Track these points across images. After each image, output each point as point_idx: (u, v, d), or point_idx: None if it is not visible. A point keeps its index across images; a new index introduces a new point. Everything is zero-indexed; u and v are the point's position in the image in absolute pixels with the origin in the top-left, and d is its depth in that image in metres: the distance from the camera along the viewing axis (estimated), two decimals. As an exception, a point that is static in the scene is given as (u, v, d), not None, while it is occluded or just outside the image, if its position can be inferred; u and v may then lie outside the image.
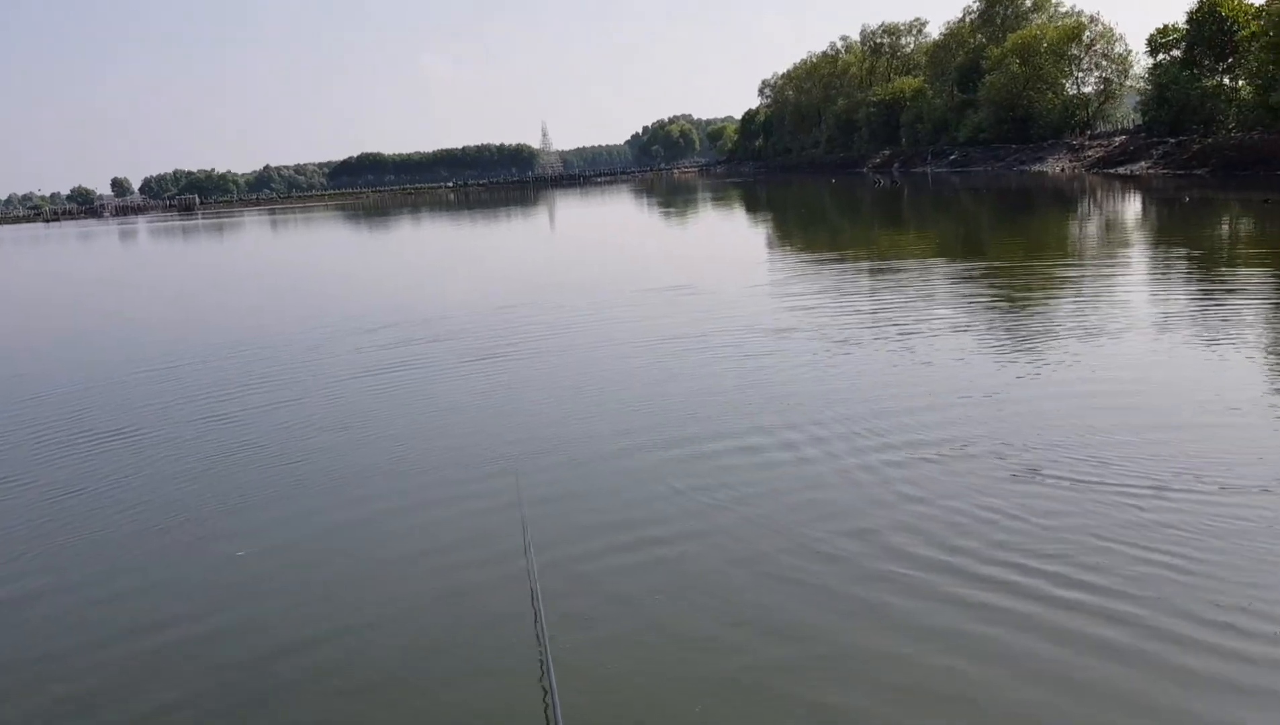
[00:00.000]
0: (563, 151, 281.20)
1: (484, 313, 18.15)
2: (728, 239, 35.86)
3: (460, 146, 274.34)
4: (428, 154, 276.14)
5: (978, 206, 43.54)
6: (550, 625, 5.17)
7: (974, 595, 5.37)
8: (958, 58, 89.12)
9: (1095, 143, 67.02)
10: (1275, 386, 9.32)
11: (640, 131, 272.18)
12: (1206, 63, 57.83)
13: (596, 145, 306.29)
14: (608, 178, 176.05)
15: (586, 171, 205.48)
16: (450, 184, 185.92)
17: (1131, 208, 36.24)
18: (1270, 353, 10.74)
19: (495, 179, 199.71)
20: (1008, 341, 12.16)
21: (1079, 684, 4.51)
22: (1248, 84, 52.71)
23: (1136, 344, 11.36)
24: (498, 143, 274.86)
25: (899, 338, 12.82)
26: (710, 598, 5.68)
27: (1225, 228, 26.55)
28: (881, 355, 11.90)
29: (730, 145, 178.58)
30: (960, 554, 5.90)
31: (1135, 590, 5.29)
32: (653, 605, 5.64)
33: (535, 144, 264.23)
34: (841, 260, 23.34)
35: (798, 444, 8.34)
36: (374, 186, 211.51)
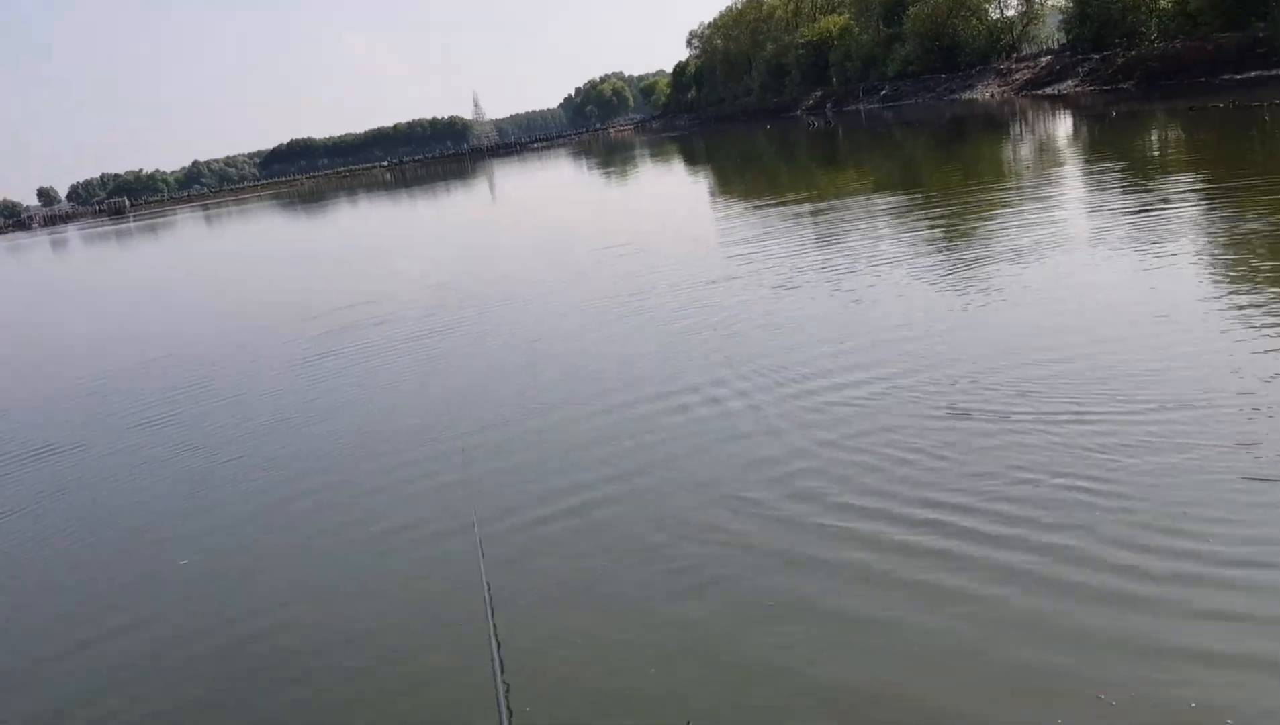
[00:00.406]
0: (497, 120, 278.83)
1: (423, 290, 17.94)
2: (668, 193, 35.76)
3: (392, 125, 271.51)
4: (360, 135, 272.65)
5: (912, 139, 43.67)
6: (496, 591, 5.21)
7: (903, 537, 5.32)
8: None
9: (1022, 65, 67.33)
10: (1209, 296, 9.38)
11: (573, 93, 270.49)
12: (1125, -25, 58.17)
13: (530, 111, 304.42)
14: (544, 143, 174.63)
15: (522, 139, 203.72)
16: (385, 163, 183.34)
17: (1061, 127, 36.52)
18: (1203, 261, 10.85)
19: (430, 154, 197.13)
20: (944, 273, 12.18)
21: (1009, 618, 4.49)
22: (1167, -8, 53.14)
23: (1072, 265, 11.39)
24: (430, 117, 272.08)
25: (836, 278, 12.81)
26: (642, 558, 5.64)
27: (1153, 138, 26.84)
28: (818, 298, 11.88)
29: (664, 100, 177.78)
30: (889, 498, 5.83)
31: (1064, 519, 5.24)
32: (589, 569, 5.63)
33: (468, 115, 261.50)
34: (780, 204, 23.28)
35: (727, 398, 8.30)
36: (307, 172, 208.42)
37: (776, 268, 14.20)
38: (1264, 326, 7.87)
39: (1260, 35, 42.04)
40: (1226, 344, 7.60)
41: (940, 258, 13.25)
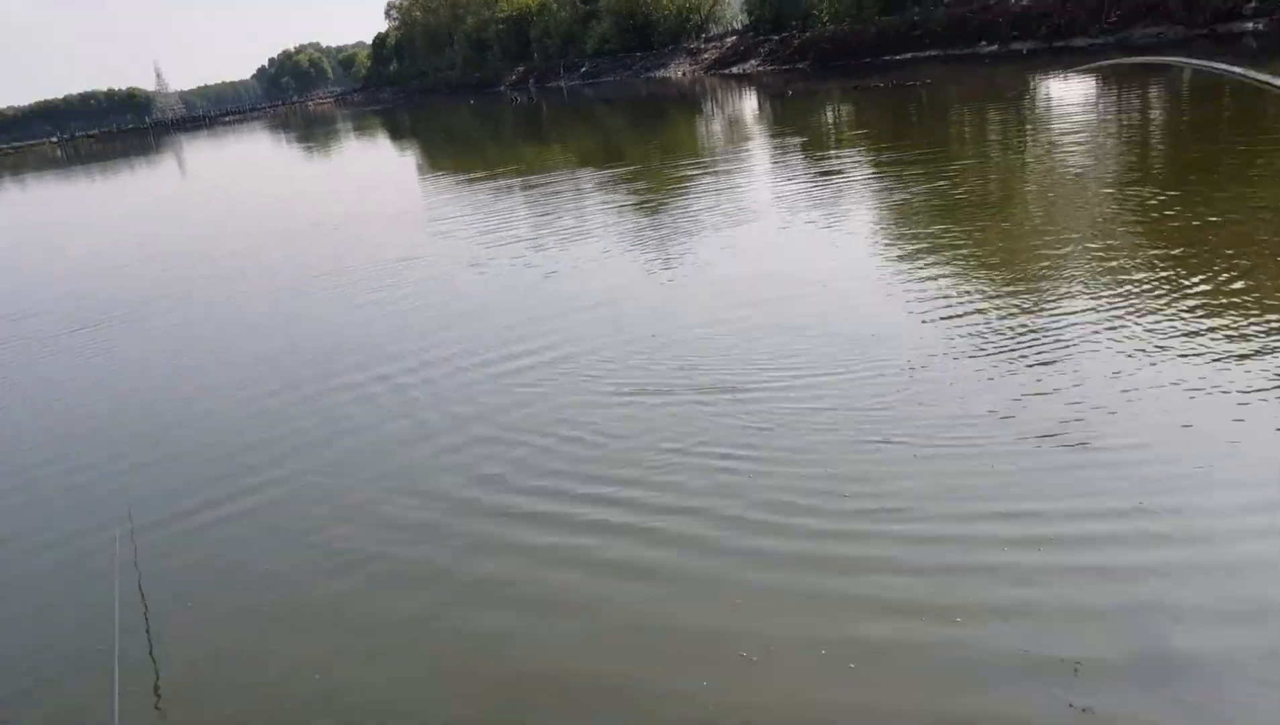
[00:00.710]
0: (183, 92, 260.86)
1: (88, 280, 17.03)
2: (374, 168, 35.20)
3: (61, 97, 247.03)
4: (23, 108, 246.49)
5: (611, 115, 45.18)
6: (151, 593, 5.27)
7: (575, 515, 5.55)
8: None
9: (710, 45, 70.82)
10: (873, 264, 10.67)
11: (267, 64, 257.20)
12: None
13: (221, 82, 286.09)
14: (236, 116, 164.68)
15: (213, 111, 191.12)
16: (55, 139, 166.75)
17: (747, 104, 39.03)
18: (870, 230, 12.31)
19: (107, 128, 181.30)
20: (632, 246, 12.97)
21: (674, 584, 4.80)
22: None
23: (751, 236, 12.46)
24: (106, 89, 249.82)
25: (530, 253, 13.29)
26: (313, 553, 5.68)
27: (826, 115, 29.37)
28: (510, 273, 12.24)
29: (365, 72, 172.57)
30: (563, 477, 6.07)
31: (718, 486, 5.62)
32: (250, 566, 5.65)
33: (150, 87, 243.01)
34: (485, 179, 23.70)
35: (404, 380, 8.40)
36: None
37: (475, 242, 14.58)
38: (920, 296, 9.02)
39: (915, 19, 46.63)
40: (885, 312, 8.54)
41: (631, 231, 14.09)
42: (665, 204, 16.08)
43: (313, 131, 73.24)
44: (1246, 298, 7.45)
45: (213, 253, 17.69)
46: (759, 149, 22.90)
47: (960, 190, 13.50)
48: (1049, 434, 5.71)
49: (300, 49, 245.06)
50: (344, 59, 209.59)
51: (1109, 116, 19.43)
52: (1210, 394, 5.93)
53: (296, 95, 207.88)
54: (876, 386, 6.78)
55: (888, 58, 45.64)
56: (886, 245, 11.10)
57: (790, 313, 8.67)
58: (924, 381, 6.73)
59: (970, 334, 7.55)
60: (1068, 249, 9.56)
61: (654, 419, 6.75)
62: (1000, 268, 9.43)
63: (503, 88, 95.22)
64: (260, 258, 16.48)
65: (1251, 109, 17.59)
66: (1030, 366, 6.70)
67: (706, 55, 67.88)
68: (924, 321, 8.00)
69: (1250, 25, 31.36)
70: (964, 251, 10.14)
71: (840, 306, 8.72)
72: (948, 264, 9.68)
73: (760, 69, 56.22)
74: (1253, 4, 32.04)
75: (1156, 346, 6.72)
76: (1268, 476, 4.96)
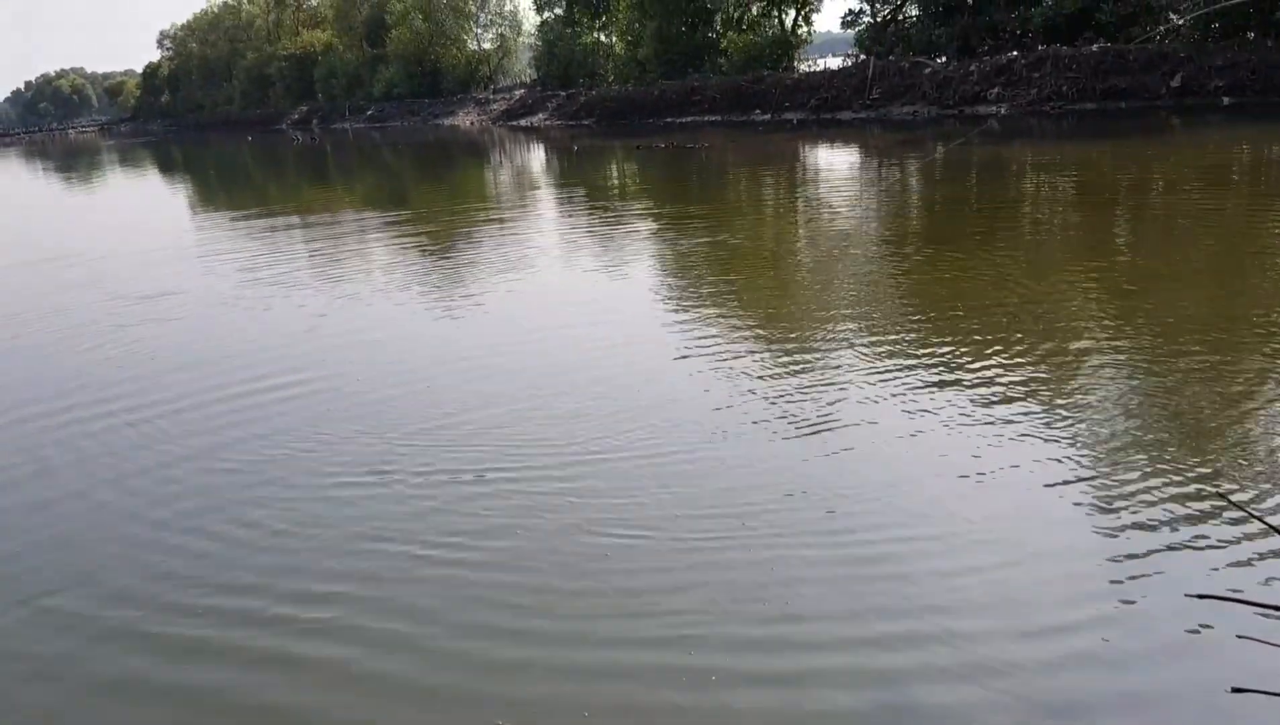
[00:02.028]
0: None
1: None
2: (140, 203, 33.52)
3: None
4: None
5: (399, 160, 44.94)
6: None
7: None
8: (364, 11, 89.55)
9: (499, 96, 71.54)
10: (654, 314, 11.31)
11: (23, 87, 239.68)
12: (585, 20, 64.30)
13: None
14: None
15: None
16: None
17: (534, 157, 39.76)
18: (651, 281, 12.94)
19: None
20: (401, 289, 13.21)
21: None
22: (619, 40, 59.58)
23: (537, 284, 13.00)
24: None
25: (276, 293, 13.16)
26: None
27: (611, 171, 30.35)
28: (258, 314, 12.07)
29: (134, 101, 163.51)
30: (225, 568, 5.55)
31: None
32: None
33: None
34: (259, 218, 23.11)
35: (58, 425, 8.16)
36: None
37: (236, 281, 14.23)
38: (692, 352, 9.72)
39: (694, 85, 48.82)
40: (654, 370, 9.25)
41: (408, 275, 14.24)
42: (449, 248, 16.31)
43: (75, 161, 68.87)
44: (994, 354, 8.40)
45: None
46: (546, 199, 23.48)
47: (735, 244, 14.41)
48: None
49: (62, 73, 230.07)
50: (110, 86, 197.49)
51: (872, 183, 21.09)
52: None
53: (56, 122, 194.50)
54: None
55: (670, 119, 47.52)
56: (662, 297, 11.73)
57: (558, 375, 8.55)
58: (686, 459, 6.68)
59: (740, 409, 8.15)
60: (834, 309, 10.44)
61: (372, 503, 6.23)
62: (770, 324, 10.17)
63: (285, 126, 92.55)
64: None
65: (997, 180, 19.58)
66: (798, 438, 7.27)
67: (495, 106, 68.50)
68: (700, 387, 8.56)
69: (994, 109, 34.66)
70: (735, 306, 10.86)
71: (615, 363, 8.87)
72: (720, 319, 10.35)
73: (548, 122, 57.27)
74: (995, 90, 35.49)
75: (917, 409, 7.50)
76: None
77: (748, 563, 5.14)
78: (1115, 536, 5.13)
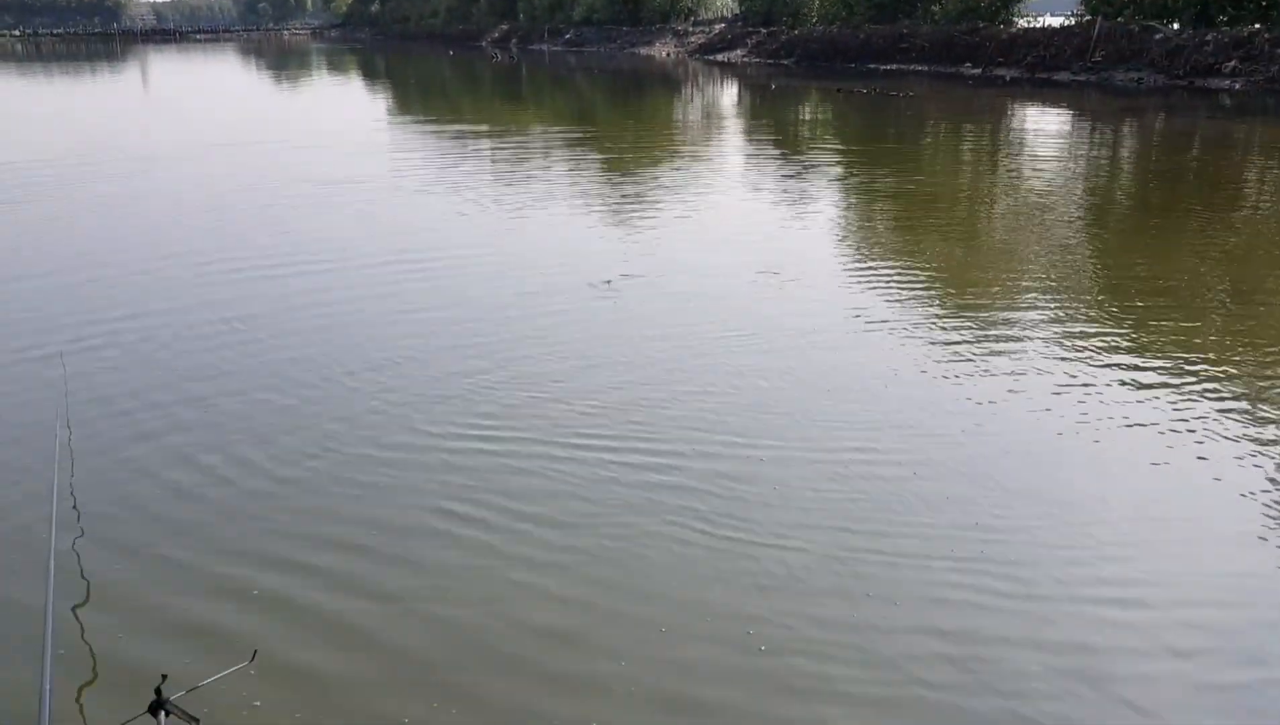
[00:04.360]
0: (155, 4, 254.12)
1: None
2: (344, 105, 34.48)
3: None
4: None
5: (591, 85, 44.73)
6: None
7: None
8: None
9: (698, 29, 70.42)
10: (837, 266, 10.63)
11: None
12: (795, -42, 62.34)
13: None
14: (209, 35, 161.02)
15: (184, 27, 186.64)
16: (17, 32, 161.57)
17: (729, 93, 38.82)
18: (829, 222, 12.22)
19: (73, 29, 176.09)
20: (578, 213, 12.88)
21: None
22: (830, -19, 57.56)
23: (718, 226, 12.45)
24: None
25: (451, 192, 13.86)
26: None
27: (805, 113, 29.27)
28: (424, 206, 13.02)
29: (345, 9, 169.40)
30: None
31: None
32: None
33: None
34: (451, 127, 23.27)
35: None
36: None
37: (419, 178, 15.00)
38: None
39: (904, 31, 46.71)
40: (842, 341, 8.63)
41: (575, 190, 14.05)
42: (628, 174, 15.86)
43: (285, 61, 71.74)
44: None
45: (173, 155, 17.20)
46: (733, 134, 22.73)
47: (925, 200, 13.46)
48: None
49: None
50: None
51: (1083, 150, 19.53)
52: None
53: (273, 22, 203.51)
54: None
55: (873, 65, 45.67)
56: (846, 249, 11.00)
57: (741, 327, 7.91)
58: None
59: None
60: (1025, 281, 9.53)
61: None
62: (953, 293, 9.36)
63: (484, 43, 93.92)
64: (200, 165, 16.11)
65: (1221, 158, 17.80)
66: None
67: (693, 39, 67.48)
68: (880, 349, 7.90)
69: (1227, 83, 31.78)
70: (917, 270, 10.05)
71: (796, 314, 8.38)
72: (899, 284, 9.58)
73: (745, 59, 56.02)
74: (1232, 63, 32.50)
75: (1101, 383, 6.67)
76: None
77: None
78: None
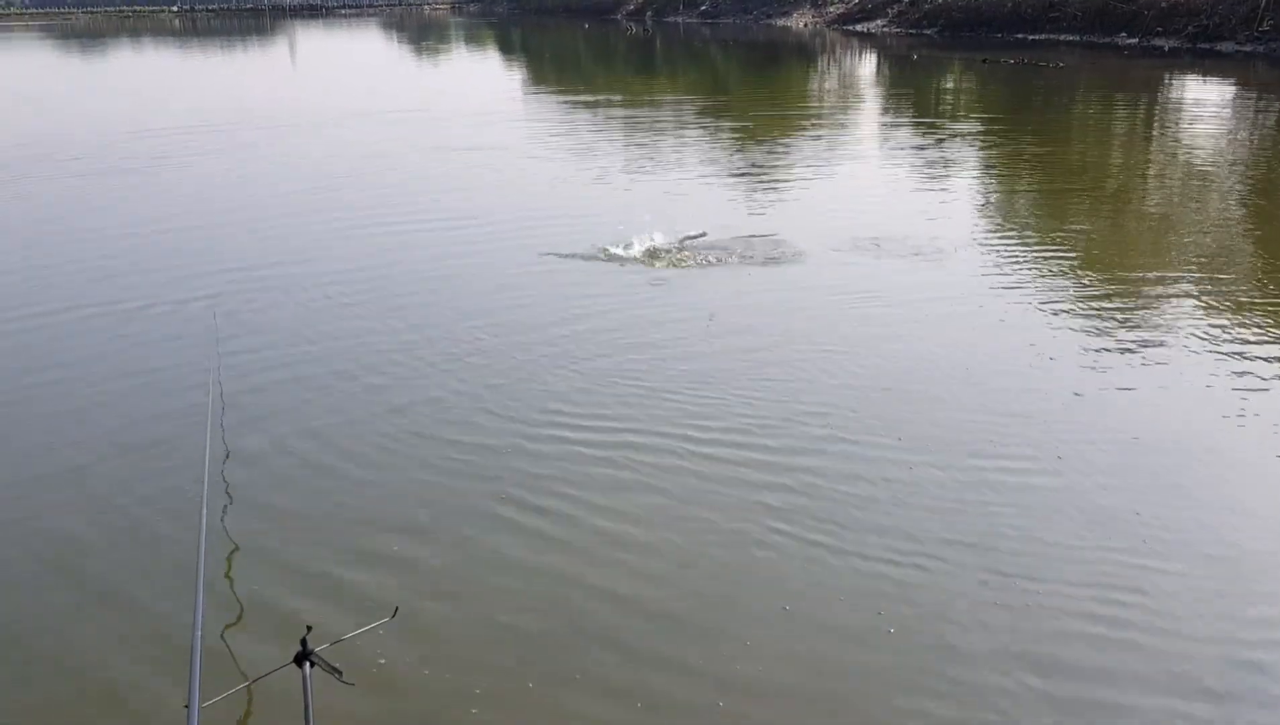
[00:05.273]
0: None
1: (197, 146, 17.12)
2: (480, 76, 35.00)
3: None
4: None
5: (725, 57, 44.28)
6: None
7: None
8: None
9: (836, 0, 68.95)
10: (980, 249, 10.21)
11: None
12: (939, -75, 60.32)
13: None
14: (353, 10, 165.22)
15: (329, 2, 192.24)
16: (175, 8, 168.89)
17: (867, 64, 37.89)
18: (974, 197, 11.76)
19: (226, 5, 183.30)
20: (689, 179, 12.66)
21: None
22: (976, -51, 55.48)
23: (833, 190, 12.12)
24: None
25: (573, 161, 14.17)
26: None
27: (950, 83, 28.34)
28: (552, 175, 13.24)
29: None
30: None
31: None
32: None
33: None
34: (585, 97, 23.31)
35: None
36: (84, 7, 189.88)
37: (547, 147, 15.38)
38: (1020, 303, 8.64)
39: (1054, 0, 44.75)
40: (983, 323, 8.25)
41: (706, 159, 13.81)
42: (757, 143, 15.58)
43: (426, 34, 73.23)
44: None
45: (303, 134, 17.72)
46: (871, 106, 22.14)
47: (1074, 173, 12.83)
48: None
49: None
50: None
51: (1247, 125, 18.35)
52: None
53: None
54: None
55: (1020, 35, 43.93)
56: (992, 224, 10.55)
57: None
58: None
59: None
60: (1175, 261, 8.97)
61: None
62: (1100, 274, 8.87)
63: (620, 16, 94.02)
64: (340, 141, 16.63)
65: None
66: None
67: (831, 9, 66.10)
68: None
69: None
70: (1065, 246, 9.56)
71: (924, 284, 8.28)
72: (1046, 260, 9.13)
73: (885, 29, 54.61)
74: None
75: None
76: None
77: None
78: None
